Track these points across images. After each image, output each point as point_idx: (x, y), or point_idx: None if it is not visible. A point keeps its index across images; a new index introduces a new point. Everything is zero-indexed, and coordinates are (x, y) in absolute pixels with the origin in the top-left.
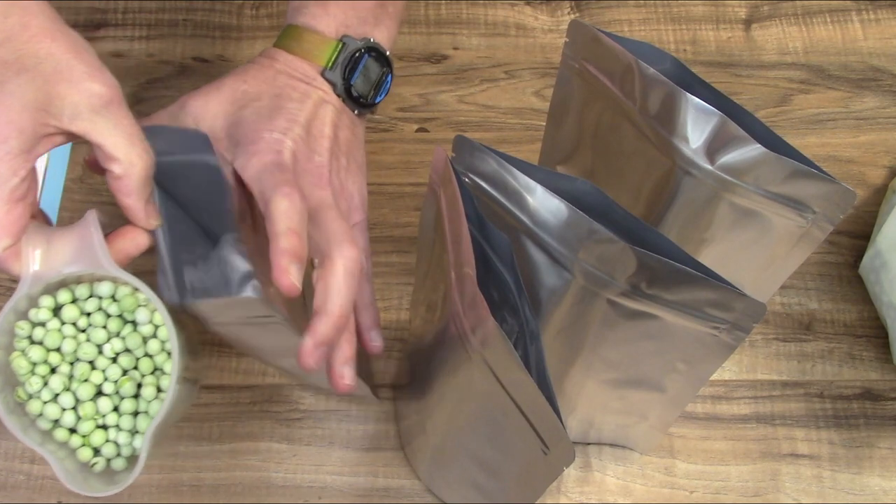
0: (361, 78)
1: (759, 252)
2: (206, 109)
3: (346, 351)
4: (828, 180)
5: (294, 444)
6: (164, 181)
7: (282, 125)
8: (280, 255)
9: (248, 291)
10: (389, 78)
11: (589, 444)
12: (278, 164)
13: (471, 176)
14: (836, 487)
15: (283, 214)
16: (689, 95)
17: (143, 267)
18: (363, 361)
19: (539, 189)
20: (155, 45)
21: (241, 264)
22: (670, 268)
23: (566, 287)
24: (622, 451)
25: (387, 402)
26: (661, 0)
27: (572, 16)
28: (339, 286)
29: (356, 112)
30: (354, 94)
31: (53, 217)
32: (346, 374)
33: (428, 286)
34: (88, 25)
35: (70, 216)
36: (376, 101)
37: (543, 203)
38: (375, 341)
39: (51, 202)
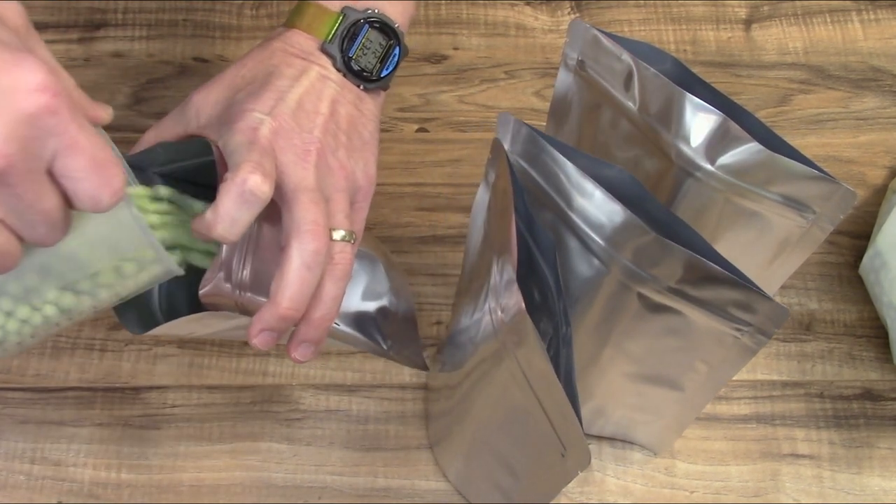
0: (363, 50)
1: (760, 252)
2: (207, 100)
3: (309, 333)
4: (828, 181)
5: (294, 444)
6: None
7: (268, 103)
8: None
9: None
10: (398, 51)
11: (591, 435)
12: (252, 142)
13: (514, 157)
14: (837, 488)
15: (287, 280)
16: (689, 95)
17: None
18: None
19: (579, 176)
20: (155, 45)
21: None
22: (698, 264)
23: (599, 277)
24: (622, 451)
25: (387, 401)
26: (661, 0)
27: (572, 16)
28: (290, 278)
29: (361, 87)
30: (356, 67)
31: None
32: (300, 351)
33: (471, 281)
34: (88, 25)
35: None
36: (382, 76)
37: (581, 189)
38: (297, 353)
39: None
